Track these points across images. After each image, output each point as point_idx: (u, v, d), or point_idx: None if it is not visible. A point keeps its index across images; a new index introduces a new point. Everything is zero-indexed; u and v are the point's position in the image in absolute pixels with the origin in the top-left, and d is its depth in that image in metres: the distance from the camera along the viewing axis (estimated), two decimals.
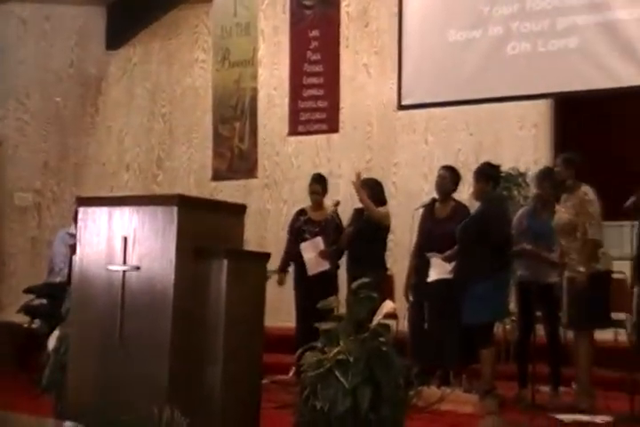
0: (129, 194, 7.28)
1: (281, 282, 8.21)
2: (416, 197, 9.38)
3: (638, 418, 6.17)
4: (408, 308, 7.36)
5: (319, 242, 8.02)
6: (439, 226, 7.28)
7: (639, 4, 8.25)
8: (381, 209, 7.80)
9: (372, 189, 7.89)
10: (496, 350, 7.14)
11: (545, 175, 7.21)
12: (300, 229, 8.21)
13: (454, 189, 7.46)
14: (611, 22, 8.50)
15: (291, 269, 8.30)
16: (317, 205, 8.24)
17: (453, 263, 7.04)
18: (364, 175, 8.81)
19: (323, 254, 7.99)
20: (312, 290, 7.72)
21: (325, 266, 7.99)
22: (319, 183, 8.27)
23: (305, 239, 8.10)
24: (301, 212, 8.37)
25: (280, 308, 8.42)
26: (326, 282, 7.84)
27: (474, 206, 7.30)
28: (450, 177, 7.43)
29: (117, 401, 4.22)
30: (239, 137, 11.23)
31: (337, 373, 3.60)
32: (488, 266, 6.76)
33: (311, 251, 8.04)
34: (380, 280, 7.32)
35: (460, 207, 7.40)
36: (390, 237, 8.04)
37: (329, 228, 8.06)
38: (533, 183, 7.58)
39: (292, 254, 8.20)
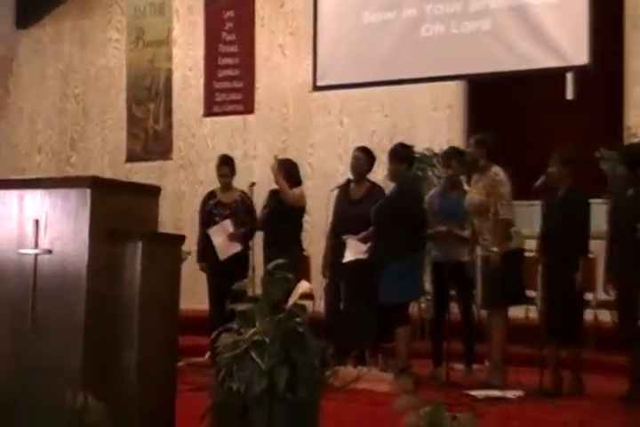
0: (41, 176, 7.16)
1: (203, 269, 8.17)
2: (331, 177, 9.41)
3: (547, 392, 6.34)
4: (324, 288, 7.40)
5: (227, 225, 7.96)
6: (354, 207, 7.33)
7: None
8: (296, 190, 7.81)
9: (288, 170, 7.90)
10: (411, 329, 7.23)
11: (450, 155, 7.29)
12: (210, 212, 8.13)
13: (369, 170, 7.50)
14: (522, 6, 8.66)
15: None
16: (226, 186, 8.19)
17: (369, 244, 7.09)
18: (280, 156, 8.82)
19: (232, 237, 7.94)
20: (224, 271, 7.72)
21: (236, 248, 7.95)
22: (227, 165, 8.18)
23: (216, 222, 8.03)
24: (211, 195, 8.28)
25: (195, 290, 8.37)
26: (238, 263, 7.84)
27: (389, 187, 7.36)
28: (364, 158, 7.48)
29: (30, 386, 4.17)
30: (154, 118, 11.14)
31: (253, 354, 3.60)
32: (403, 246, 6.83)
33: (220, 235, 7.95)
34: (296, 261, 7.34)
35: (375, 188, 7.45)
36: (306, 218, 8.07)
37: (239, 209, 8.04)
38: (440, 163, 7.62)
39: (205, 239, 8.11)
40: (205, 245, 8.04)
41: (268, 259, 7.11)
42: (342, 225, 7.31)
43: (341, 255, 7.19)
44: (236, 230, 7.94)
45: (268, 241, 7.83)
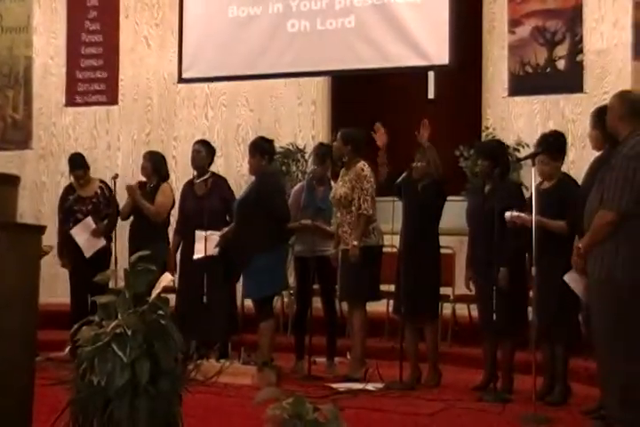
0: None
1: (65, 265, 8.00)
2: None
3: (406, 384, 6.49)
4: (186, 282, 7.35)
5: (89, 223, 7.83)
6: (200, 202, 7.30)
7: None
8: (159, 200, 7.66)
9: (155, 164, 7.83)
10: (275, 323, 7.27)
11: (325, 153, 7.33)
12: (70, 208, 7.97)
13: (210, 163, 7.51)
14: (385, 4, 8.83)
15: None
16: (85, 182, 8.05)
17: (217, 240, 7.09)
18: (146, 149, 8.74)
19: (95, 233, 7.82)
20: (86, 265, 7.60)
21: (101, 243, 7.84)
22: (78, 167, 8.03)
23: (77, 219, 7.88)
24: (69, 189, 8.12)
25: (54, 283, 8.21)
26: (100, 256, 7.73)
27: (248, 182, 7.36)
28: (205, 151, 7.48)
29: None
30: (13, 106, 10.84)
31: (114, 346, 3.55)
32: (266, 240, 6.85)
33: (83, 233, 7.82)
34: (161, 253, 7.27)
35: (219, 180, 7.47)
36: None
37: (100, 203, 7.92)
38: (312, 160, 7.68)
39: (66, 236, 7.96)
40: (65, 242, 7.90)
41: (133, 251, 7.02)
42: (192, 221, 7.28)
43: (192, 250, 7.16)
44: (98, 225, 7.81)
45: (134, 233, 7.74)
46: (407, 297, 6.51)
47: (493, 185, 6.35)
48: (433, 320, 6.74)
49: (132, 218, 7.82)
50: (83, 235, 7.81)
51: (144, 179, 7.90)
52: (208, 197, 7.28)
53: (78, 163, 8.05)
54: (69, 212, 7.95)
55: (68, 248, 7.88)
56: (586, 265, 4.94)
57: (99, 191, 7.95)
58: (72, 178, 8.12)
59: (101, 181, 8.02)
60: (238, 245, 7.00)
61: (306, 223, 7.03)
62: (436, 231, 6.70)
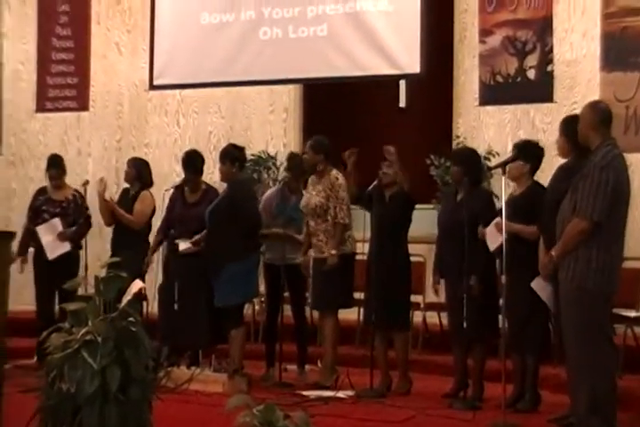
0: None
1: (23, 261, 7.93)
2: (168, 178, 9.33)
3: (377, 391, 6.50)
4: (159, 288, 7.32)
5: (56, 224, 7.77)
6: (190, 209, 7.28)
7: None
8: (138, 206, 7.64)
9: (138, 170, 7.82)
10: (245, 331, 7.26)
11: (298, 163, 7.35)
12: (39, 208, 7.93)
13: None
14: (358, 13, 8.89)
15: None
16: (57, 186, 8.01)
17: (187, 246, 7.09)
18: (117, 155, 8.69)
19: (61, 237, 7.77)
20: (52, 272, 7.55)
21: (65, 248, 7.76)
22: (54, 167, 7.99)
23: (45, 220, 7.83)
24: (42, 191, 8.09)
25: (23, 290, 8.12)
26: (68, 263, 7.67)
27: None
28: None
29: None
30: None
31: (84, 353, 3.53)
32: (239, 248, 6.84)
33: (49, 233, 7.75)
34: (137, 261, 7.22)
35: (211, 190, 7.44)
36: None
37: (70, 208, 7.88)
38: (286, 169, 7.70)
39: (30, 236, 7.90)
40: (29, 241, 7.84)
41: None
42: (178, 227, 7.26)
43: (175, 256, 7.14)
44: (65, 230, 7.77)
45: (114, 240, 7.76)
46: (378, 307, 6.52)
47: (466, 193, 6.36)
48: (404, 330, 6.76)
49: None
50: (48, 235, 7.76)
51: (126, 185, 7.90)
52: (198, 205, 7.27)
53: (55, 162, 8.04)
54: (37, 211, 7.92)
55: (36, 253, 7.83)
56: (556, 272, 5.00)
57: (71, 198, 7.92)
58: (47, 179, 8.08)
59: (76, 191, 7.99)
60: (210, 254, 6.97)
61: (277, 231, 7.03)
62: (405, 239, 6.72)
